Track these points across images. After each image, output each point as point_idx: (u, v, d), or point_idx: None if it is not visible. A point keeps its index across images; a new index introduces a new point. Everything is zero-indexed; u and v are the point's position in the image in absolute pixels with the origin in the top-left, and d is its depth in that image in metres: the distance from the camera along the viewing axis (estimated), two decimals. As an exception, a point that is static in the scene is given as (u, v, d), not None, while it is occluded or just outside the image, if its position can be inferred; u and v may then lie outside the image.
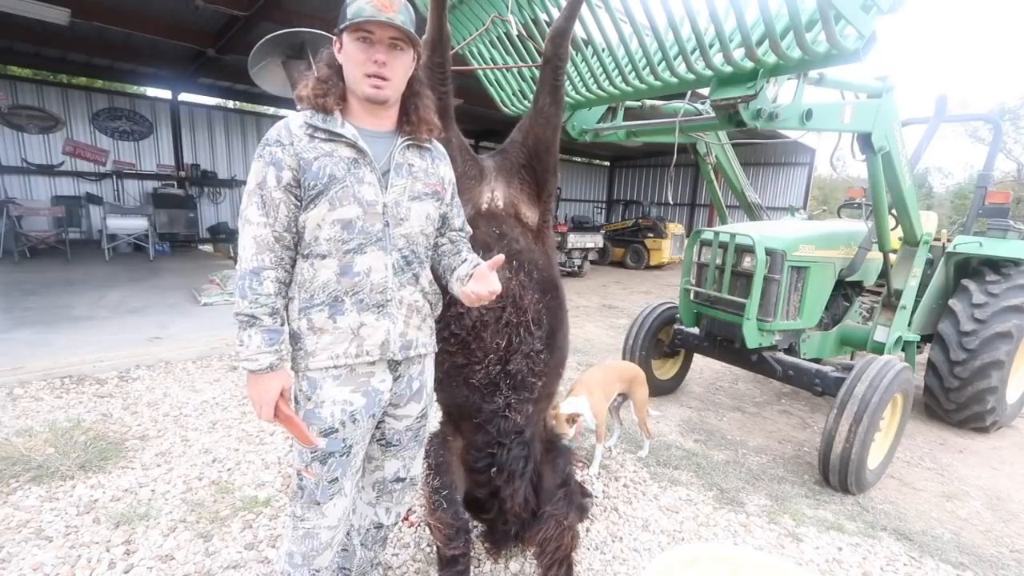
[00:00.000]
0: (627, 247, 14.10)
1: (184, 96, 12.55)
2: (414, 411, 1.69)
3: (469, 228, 1.79)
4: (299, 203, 1.43)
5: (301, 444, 1.49)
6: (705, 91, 2.50)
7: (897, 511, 2.97)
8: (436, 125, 1.58)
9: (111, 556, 2.20)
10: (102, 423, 3.37)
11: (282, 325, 1.45)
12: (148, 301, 6.38)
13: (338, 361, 1.48)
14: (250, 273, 1.39)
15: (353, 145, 1.44)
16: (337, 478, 1.54)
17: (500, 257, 1.51)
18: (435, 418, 2.15)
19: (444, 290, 1.70)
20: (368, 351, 1.50)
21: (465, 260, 1.64)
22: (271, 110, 15.25)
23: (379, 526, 1.87)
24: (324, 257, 1.45)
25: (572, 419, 2.70)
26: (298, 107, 1.49)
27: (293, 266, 1.48)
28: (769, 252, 3.41)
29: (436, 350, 1.75)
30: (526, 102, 3.20)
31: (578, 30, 2.43)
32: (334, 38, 1.47)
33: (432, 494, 1.93)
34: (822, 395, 3.44)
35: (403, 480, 1.80)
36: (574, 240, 11.78)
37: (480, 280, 1.48)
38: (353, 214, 1.44)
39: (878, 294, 4.32)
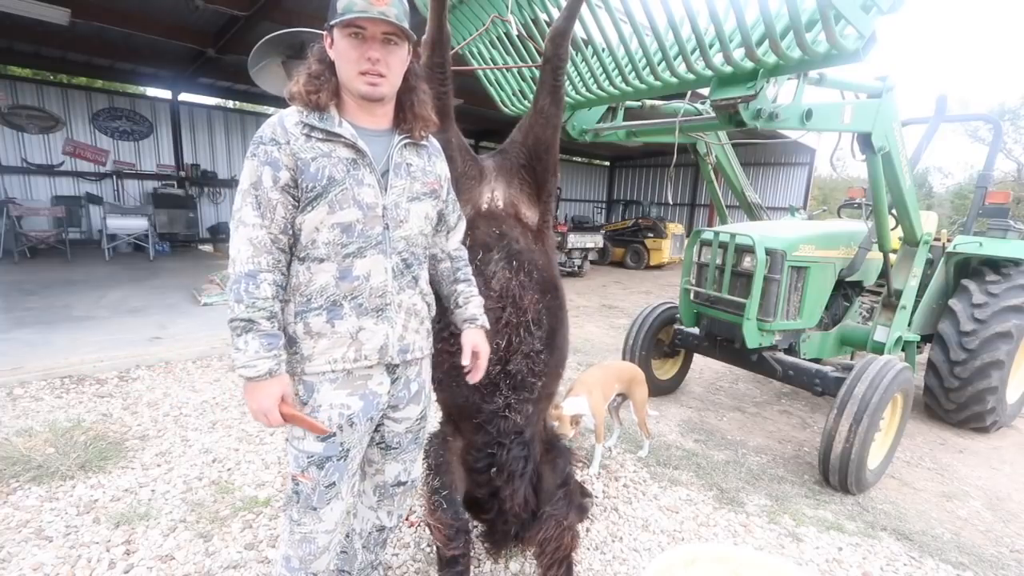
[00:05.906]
0: (627, 247, 14.10)
1: (184, 96, 12.55)
2: (414, 413, 1.66)
3: (463, 230, 1.76)
4: (296, 204, 1.38)
5: (315, 434, 1.45)
6: (705, 91, 2.50)
7: (897, 511, 2.97)
8: (433, 121, 1.54)
9: (111, 556, 2.20)
10: (102, 423, 3.37)
11: (279, 329, 1.39)
12: (148, 301, 6.38)
13: (335, 366, 1.44)
14: (246, 276, 1.34)
15: (352, 145, 1.40)
16: (334, 482, 1.51)
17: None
18: (435, 418, 2.15)
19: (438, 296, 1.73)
20: (367, 355, 1.47)
21: (460, 293, 1.72)
22: (271, 110, 15.20)
23: (381, 528, 1.86)
24: (322, 261, 1.41)
25: (576, 420, 2.70)
26: (290, 104, 1.43)
27: (288, 269, 1.44)
28: (769, 252, 3.41)
29: (432, 352, 1.73)
30: (526, 102, 3.21)
31: (578, 30, 2.43)
32: (324, 33, 1.41)
33: (432, 494, 1.92)
34: (822, 395, 3.44)
35: (404, 484, 1.78)
36: (574, 240, 11.77)
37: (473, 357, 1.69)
38: (353, 217, 1.40)
39: (878, 294, 4.32)
